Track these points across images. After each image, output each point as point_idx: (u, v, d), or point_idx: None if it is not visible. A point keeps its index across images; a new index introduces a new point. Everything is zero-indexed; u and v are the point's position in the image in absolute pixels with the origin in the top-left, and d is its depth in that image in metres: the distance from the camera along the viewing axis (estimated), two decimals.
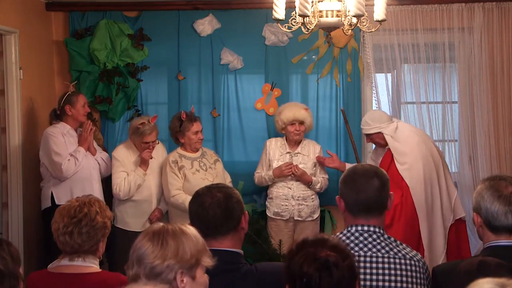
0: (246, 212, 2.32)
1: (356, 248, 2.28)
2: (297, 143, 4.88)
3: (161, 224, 1.91)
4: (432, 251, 4.40)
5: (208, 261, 1.89)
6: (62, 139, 4.54)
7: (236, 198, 2.28)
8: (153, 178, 4.74)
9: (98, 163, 4.73)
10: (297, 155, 4.85)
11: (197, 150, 4.76)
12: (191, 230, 1.91)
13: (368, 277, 2.24)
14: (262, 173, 4.89)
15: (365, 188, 2.32)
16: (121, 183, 4.60)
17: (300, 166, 4.78)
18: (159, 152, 4.84)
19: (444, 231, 4.49)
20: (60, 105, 4.63)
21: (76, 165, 4.50)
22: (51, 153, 4.48)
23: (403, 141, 4.49)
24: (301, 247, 1.83)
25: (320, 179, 4.86)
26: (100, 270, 2.51)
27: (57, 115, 4.66)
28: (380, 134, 4.53)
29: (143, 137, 4.62)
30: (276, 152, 4.88)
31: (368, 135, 4.60)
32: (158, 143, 4.81)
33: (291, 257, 1.83)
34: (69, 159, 4.48)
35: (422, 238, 4.39)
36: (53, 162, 4.48)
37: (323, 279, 1.74)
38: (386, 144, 4.54)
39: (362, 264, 2.25)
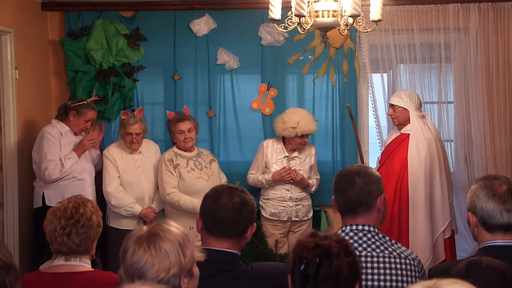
0: (255, 224, 2.29)
1: None
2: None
3: (145, 227, 1.87)
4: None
5: (199, 255, 1.89)
6: (57, 141, 4.51)
7: (250, 208, 2.25)
8: (145, 176, 4.73)
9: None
10: (294, 159, 4.84)
11: (187, 150, 4.75)
12: (177, 227, 1.89)
13: (363, 276, 2.24)
14: (258, 176, 4.87)
15: (347, 188, 2.36)
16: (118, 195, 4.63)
17: (297, 168, 4.78)
18: (151, 151, 4.84)
19: (430, 235, 4.49)
20: (69, 106, 4.61)
21: (62, 172, 4.46)
22: (42, 153, 4.46)
23: (426, 130, 4.55)
24: (308, 237, 1.83)
25: (314, 181, 4.88)
26: (92, 269, 2.51)
27: (65, 111, 4.63)
28: (406, 112, 4.55)
29: (127, 128, 4.62)
30: (273, 155, 4.86)
31: (393, 106, 4.60)
32: (142, 135, 4.74)
33: (296, 244, 1.84)
34: (56, 164, 4.45)
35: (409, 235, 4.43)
36: (40, 164, 4.47)
37: (321, 267, 1.73)
38: (404, 124, 4.58)
39: None
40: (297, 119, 4.70)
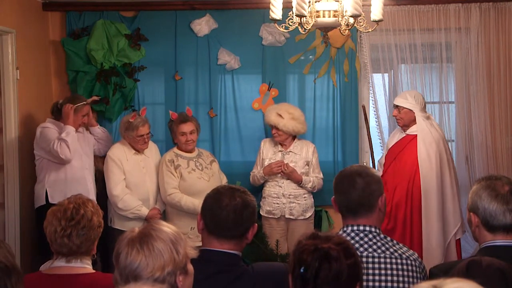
0: (256, 224, 2.29)
1: None
2: (290, 142, 4.89)
3: (136, 229, 1.87)
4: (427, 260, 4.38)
5: (192, 252, 1.89)
6: (54, 130, 4.54)
7: (252, 208, 2.26)
8: (149, 177, 4.72)
9: (97, 140, 4.83)
10: (289, 154, 4.87)
11: (188, 151, 4.75)
12: (169, 226, 1.89)
13: (364, 277, 2.24)
14: (255, 172, 4.91)
15: (348, 189, 2.35)
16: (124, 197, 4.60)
17: (291, 164, 4.79)
18: (152, 151, 4.83)
19: (442, 237, 4.48)
20: (63, 104, 4.60)
21: (69, 147, 4.42)
22: (47, 143, 4.46)
23: (433, 131, 4.55)
24: (308, 238, 1.83)
25: (313, 178, 4.86)
26: (93, 271, 2.50)
27: (58, 110, 4.63)
28: (411, 113, 4.54)
29: (138, 130, 4.60)
30: (269, 151, 4.91)
31: (398, 107, 4.58)
32: (152, 136, 4.80)
33: (296, 246, 1.84)
34: (60, 144, 4.40)
35: (423, 236, 4.42)
36: (51, 151, 4.43)
37: (320, 270, 1.73)
38: (408, 125, 4.57)
39: None
40: (266, 110, 4.95)
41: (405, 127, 4.60)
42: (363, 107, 4.92)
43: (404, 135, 4.62)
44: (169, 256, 1.79)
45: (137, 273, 1.77)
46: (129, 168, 4.65)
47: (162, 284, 1.77)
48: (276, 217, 4.83)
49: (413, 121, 4.56)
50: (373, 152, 4.97)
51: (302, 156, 4.88)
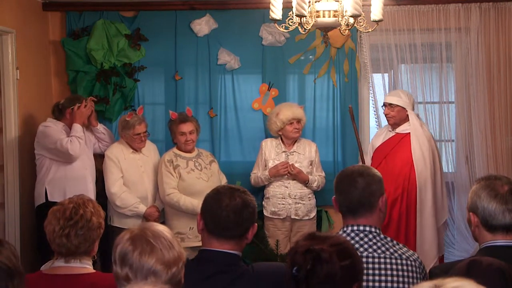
0: (256, 224, 2.29)
1: None
2: (293, 142, 4.89)
3: (135, 230, 1.88)
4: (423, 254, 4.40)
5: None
6: (56, 128, 4.56)
7: (252, 208, 2.25)
8: (147, 176, 4.74)
9: (99, 139, 4.82)
10: (292, 154, 4.86)
11: (187, 151, 4.75)
12: (161, 226, 1.92)
13: (364, 277, 2.24)
14: (258, 173, 4.90)
15: (349, 188, 2.35)
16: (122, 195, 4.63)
17: (296, 164, 4.79)
18: (151, 150, 4.85)
19: (436, 233, 4.52)
20: (64, 105, 4.63)
21: (81, 143, 4.49)
22: (50, 139, 4.48)
23: (424, 129, 4.60)
24: (305, 239, 1.83)
25: (317, 177, 4.87)
26: (94, 271, 2.49)
27: (59, 110, 4.66)
28: (404, 111, 4.57)
29: (134, 128, 4.64)
30: (272, 152, 4.89)
31: (390, 105, 4.60)
32: (149, 135, 4.81)
33: (291, 247, 1.84)
34: (70, 140, 4.45)
35: (417, 234, 4.45)
36: (57, 149, 4.46)
37: (312, 272, 1.73)
38: (399, 124, 4.59)
39: None
40: (277, 110, 4.86)
41: (395, 125, 4.64)
42: (350, 108, 4.94)
43: (394, 134, 4.64)
44: (178, 250, 1.83)
45: (155, 273, 1.79)
46: (126, 166, 4.68)
47: (171, 282, 1.78)
48: (281, 217, 4.82)
49: (404, 120, 4.60)
50: (362, 153, 4.98)
51: (306, 155, 4.88)
